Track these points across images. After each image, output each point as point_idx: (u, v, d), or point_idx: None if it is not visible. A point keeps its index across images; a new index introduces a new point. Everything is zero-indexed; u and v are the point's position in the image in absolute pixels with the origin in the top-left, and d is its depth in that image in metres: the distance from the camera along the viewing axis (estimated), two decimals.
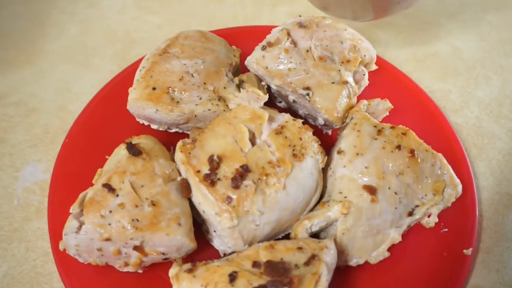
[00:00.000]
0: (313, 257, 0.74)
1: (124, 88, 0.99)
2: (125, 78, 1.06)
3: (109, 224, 0.75)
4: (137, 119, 1.01)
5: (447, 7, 1.32)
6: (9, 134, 1.06)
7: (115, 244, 0.77)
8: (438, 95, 1.13)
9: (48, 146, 1.04)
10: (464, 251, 0.84)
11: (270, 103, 1.00)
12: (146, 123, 1.00)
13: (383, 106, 0.96)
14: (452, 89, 1.15)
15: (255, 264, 0.73)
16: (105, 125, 1.01)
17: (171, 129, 1.00)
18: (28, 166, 1.01)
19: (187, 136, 0.99)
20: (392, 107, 0.96)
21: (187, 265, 0.77)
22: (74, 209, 0.78)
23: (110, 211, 0.76)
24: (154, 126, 1.00)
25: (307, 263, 0.73)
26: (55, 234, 0.85)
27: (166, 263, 0.83)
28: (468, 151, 1.03)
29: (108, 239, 0.75)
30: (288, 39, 0.97)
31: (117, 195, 0.78)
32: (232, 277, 0.71)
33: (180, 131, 1.00)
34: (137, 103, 0.93)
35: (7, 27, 1.27)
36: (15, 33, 1.26)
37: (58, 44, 1.24)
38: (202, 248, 0.84)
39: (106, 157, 0.88)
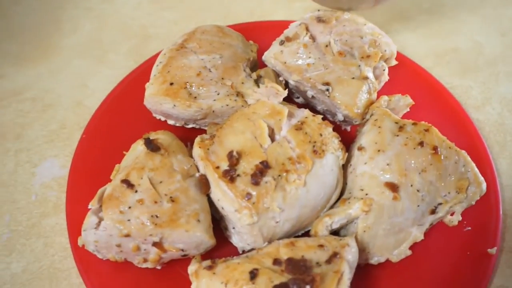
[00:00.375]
0: (334, 255, 0.73)
1: (141, 84, 0.98)
2: (141, 74, 1.05)
3: (128, 220, 0.75)
4: (154, 115, 1.00)
5: (467, 2, 1.30)
6: (26, 130, 1.06)
7: (134, 240, 0.76)
8: (458, 91, 1.11)
9: (64, 142, 1.03)
10: (489, 250, 0.82)
11: (288, 99, 0.98)
12: (162, 119, 1.00)
13: (404, 102, 0.94)
14: (473, 85, 1.13)
15: (276, 261, 0.72)
16: (121, 120, 1.00)
17: (188, 124, 0.99)
18: (45, 161, 1.00)
19: (204, 131, 0.98)
20: (413, 103, 0.95)
21: (207, 262, 0.76)
22: (93, 205, 0.78)
23: (129, 207, 0.76)
24: (170, 122, 0.99)
25: (328, 261, 0.72)
26: (74, 230, 0.85)
27: (184, 260, 0.82)
28: (491, 149, 1.01)
29: (127, 235, 0.75)
30: (306, 33, 0.96)
31: (136, 191, 0.77)
32: (253, 275, 0.70)
33: (197, 126, 0.99)
34: (155, 98, 0.93)
35: (22, 22, 1.27)
36: (30, 29, 1.26)
37: (74, 39, 1.24)
38: (220, 245, 0.83)
39: (124, 152, 0.88)
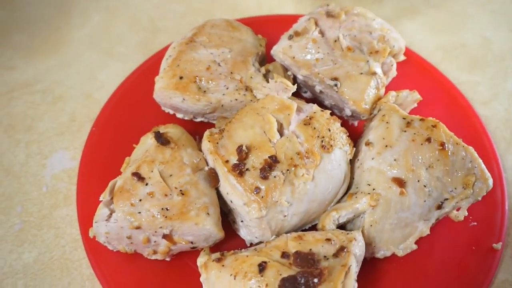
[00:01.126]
0: (342, 248, 0.74)
1: (150, 77, 0.99)
2: (150, 67, 1.06)
3: (139, 212, 0.76)
4: (163, 108, 1.01)
5: None
6: (36, 122, 1.07)
7: (145, 232, 0.77)
8: (466, 87, 1.11)
9: (75, 134, 1.05)
10: (494, 245, 0.83)
11: (296, 93, 0.99)
12: (171, 112, 1.01)
13: (411, 97, 0.95)
14: (480, 81, 1.13)
15: (284, 254, 0.74)
16: (131, 113, 1.01)
17: (196, 118, 1.00)
18: (55, 153, 1.02)
19: (213, 125, 0.99)
20: (421, 98, 0.95)
21: (216, 255, 0.77)
22: (104, 197, 0.79)
23: (140, 200, 0.77)
24: (179, 115, 1.00)
25: (336, 255, 0.73)
26: (84, 221, 0.86)
27: (193, 252, 0.83)
28: (497, 145, 1.01)
29: (138, 227, 0.76)
30: (316, 28, 0.96)
31: (147, 184, 0.78)
32: (262, 267, 0.71)
33: (206, 120, 1.00)
34: (164, 92, 0.93)
35: (32, 15, 1.28)
36: (40, 21, 1.26)
37: (83, 32, 1.25)
38: (228, 237, 0.84)
39: (133, 145, 0.89)
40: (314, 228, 0.85)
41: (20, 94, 1.11)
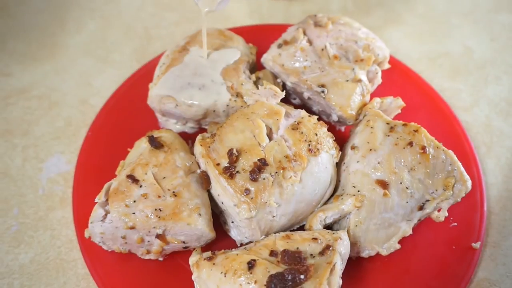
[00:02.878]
0: (327, 247, 0.77)
1: (144, 83, 1.03)
2: (144, 74, 1.10)
3: (133, 213, 0.79)
4: (156, 114, 1.04)
5: (459, 7, 1.35)
6: (32, 126, 1.10)
7: (139, 232, 0.80)
8: (449, 94, 1.16)
9: (70, 139, 1.07)
10: (473, 244, 0.87)
11: (285, 100, 1.02)
12: (164, 118, 1.04)
13: (395, 104, 0.99)
14: (463, 88, 1.18)
15: (272, 253, 0.77)
16: (126, 119, 1.04)
17: (188, 123, 1.03)
18: (51, 157, 1.04)
19: (205, 130, 1.02)
20: (404, 105, 0.99)
21: (207, 254, 0.80)
22: (99, 198, 0.82)
23: (134, 201, 0.80)
24: (172, 121, 1.03)
25: (322, 253, 0.77)
26: (80, 222, 0.89)
27: (185, 252, 0.86)
28: (478, 149, 1.06)
29: (132, 227, 0.79)
30: (304, 37, 1.00)
31: (141, 186, 0.81)
32: (251, 265, 0.74)
33: (198, 125, 1.04)
34: (157, 98, 0.97)
35: (28, 22, 1.31)
36: (36, 28, 1.30)
37: (78, 39, 1.28)
38: (220, 238, 0.88)
39: (128, 149, 0.92)
40: (302, 228, 0.89)
41: (16, 100, 1.14)
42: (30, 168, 1.03)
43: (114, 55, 1.24)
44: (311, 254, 0.77)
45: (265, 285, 0.72)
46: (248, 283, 0.73)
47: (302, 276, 0.72)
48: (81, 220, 0.89)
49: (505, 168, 1.04)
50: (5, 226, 0.95)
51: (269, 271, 0.73)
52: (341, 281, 0.75)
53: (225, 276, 0.75)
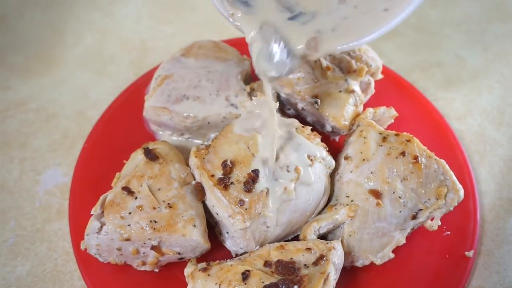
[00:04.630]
0: (321, 257, 0.78)
1: (140, 95, 1.04)
2: (140, 86, 1.11)
3: (129, 225, 0.80)
4: (151, 126, 1.05)
5: (452, 18, 1.36)
6: (30, 139, 1.11)
7: (134, 244, 0.81)
8: (442, 103, 1.17)
9: (67, 151, 1.09)
10: (466, 253, 0.88)
11: (280, 111, 1.04)
12: (160, 130, 1.05)
13: (388, 114, 1.00)
14: (455, 98, 1.19)
15: (267, 263, 0.78)
16: (122, 130, 1.05)
17: (184, 135, 1.04)
18: (48, 170, 1.05)
19: (200, 142, 1.03)
20: (397, 115, 1.00)
21: (202, 265, 0.81)
22: (95, 210, 0.83)
23: (130, 213, 0.81)
24: (168, 132, 1.04)
25: (315, 263, 0.77)
26: (76, 234, 0.89)
27: (181, 263, 0.87)
28: (471, 158, 1.07)
29: (127, 239, 0.80)
30: None
31: (136, 198, 0.82)
32: (245, 276, 0.75)
33: (193, 137, 1.04)
34: (153, 110, 0.98)
35: (26, 35, 1.33)
36: (33, 42, 1.31)
37: (76, 52, 1.30)
38: (215, 249, 0.88)
39: (124, 161, 0.93)
40: (296, 238, 0.89)
41: (14, 113, 1.15)
42: (27, 180, 1.04)
43: (111, 68, 1.26)
44: (305, 264, 0.77)
45: None
46: None
47: (295, 287, 0.72)
48: (77, 232, 0.89)
49: (498, 176, 1.05)
50: (2, 238, 0.95)
51: (263, 282, 0.74)
52: None
53: (219, 287, 0.76)
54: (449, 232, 0.91)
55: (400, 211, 0.86)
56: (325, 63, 0.99)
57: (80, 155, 1.01)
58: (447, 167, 0.88)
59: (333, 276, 0.76)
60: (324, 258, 0.78)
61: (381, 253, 0.87)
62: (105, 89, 1.20)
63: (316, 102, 0.96)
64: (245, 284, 0.74)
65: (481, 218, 0.96)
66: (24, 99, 1.18)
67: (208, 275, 0.78)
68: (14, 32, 1.33)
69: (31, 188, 1.03)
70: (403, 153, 0.88)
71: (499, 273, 0.91)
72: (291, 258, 0.78)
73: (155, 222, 0.80)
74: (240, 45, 1.12)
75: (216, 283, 0.76)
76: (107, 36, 1.34)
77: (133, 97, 1.09)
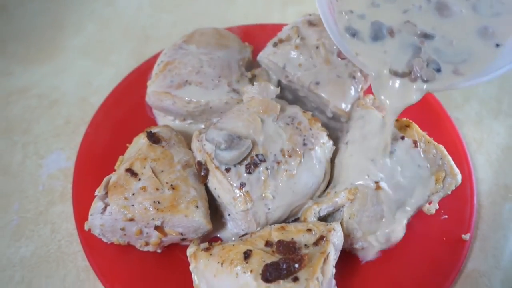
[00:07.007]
0: (321, 238, 0.79)
1: (142, 82, 1.05)
2: (142, 72, 1.12)
3: (132, 205, 0.81)
4: (154, 111, 1.06)
5: None
6: (33, 124, 1.12)
7: (138, 224, 0.82)
8: (441, 93, 1.18)
9: (70, 136, 1.10)
10: (463, 236, 0.89)
11: (280, 97, 1.05)
12: (162, 115, 1.06)
13: None
14: None
15: (268, 243, 0.79)
16: (124, 116, 1.06)
17: (186, 120, 1.06)
18: (51, 154, 1.07)
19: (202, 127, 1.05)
20: None
21: (204, 244, 0.82)
22: (99, 191, 0.84)
23: (133, 194, 0.82)
24: (170, 117, 1.06)
25: (315, 243, 0.79)
26: (80, 216, 0.91)
27: (183, 247, 0.88)
28: (468, 145, 1.08)
29: (131, 219, 0.81)
30: (298, 36, 1.03)
31: (139, 179, 0.84)
32: (247, 255, 0.76)
33: (195, 122, 1.06)
34: (156, 95, 0.99)
35: (27, 24, 1.33)
36: (35, 30, 1.32)
37: (77, 40, 1.31)
38: (216, 231, 0.90)
39: (127, 145, 0.94)
40: (297, 221, 0.91)
41: (17, 99, 1.16)
42: (30, 164, 1.05)
43: (112, 56, 1.27)
44: (305, 245, 0.79)
45: (260, 274, 0.74)
46: (244, 272, 0.75)
47: (296, 265, 0.74)
48: (81, 213, 0.90)
49: (495, 163, 1.06)
50: (6, 220, 0.97)
51: (264, 261, 0.75)
52: (334, 270, 0.77)
53: (221, 266, 0.77)
54: (446, 216, 0.92)
55: (399, 195, 0.87)
56: (325, 49, 1.00)
57: (83, 139, 1.02)
58: (445, 152, 0.90)
59: (333, 256, 0.78)
60: (324, 239, 0.79)
61: (380, 236, 0.89)
62: (107, 76, 1.21)
63: (317, 88, 0.97)
64: (247, 263, 0.76)
65: (477, 204, 0.98)
66: (26, 85, 1.19)
67: (211, 254, 0.80)
68: (15, 21, 1.34)
69: (34, 172, 1.04)
70: (402, 138, 0.89)
71: (495, 256, 0.93)
72: (292, 239, 0.79)
73: (158, 203, 0.82)
74: (241, 33, 1.14)
75: (218, 262, 0.78)
76: (108, 25, 1.34)
77: (135, 83, 1.11)
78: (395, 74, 0.75)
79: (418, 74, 0.73)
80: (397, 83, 0.75)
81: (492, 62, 0.72)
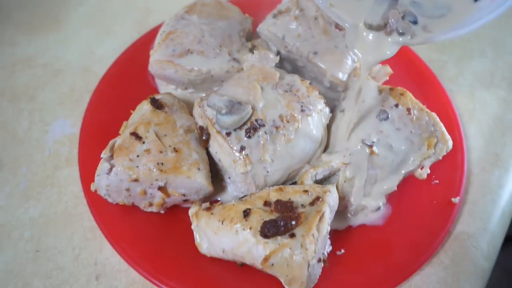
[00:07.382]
0: (317, 198, 0.83)
1: (145, 51, 1.08)
2: (145, 42, 1.15)
3: (137, 166, 0.85)
4: (156, 80, 1.09)
5: None
6: (38, 92, 1.15)
7: (142, 184, 0.86)
8: (436, 65, 1.21)
9: (74, 104, 1.13)
10: (452, 199, 0.93)
11: (280, 67, 1.08)
12: (165, 84, 1.09)
13: (383, 71, 1.04)
14: (448, 60, 1.23)
15: (266, 203, 0.83)
16: (127, 84, 1.09)
17: (188, 89, 1.09)
18: (57, 120, 1.10)
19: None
20: (392, 72, 1.05)
21: (206, 204, 0.87)
22: (105, 153, 0.87)
23: (138, 156, 0.86)
24: (172, 86, 1.09)
25: (312, 203, 0.83)
26: (86, 178, 0.94)
27: (184, 209, 0.92)
28: (461, 116, 1.12)
29: (136, 180, 0.85)
30: (297, 7, 1.05)
31: (144, 142, 0.87)
32: (246, 213, 0.80)
33: (196, 91, 1.09)
34: (158, 64, 1.02)
35: None
36: (40, 1, 1.34)
37: (81, 11, 1.33)
38: (217, 194, 0.94)
39: (131, 111, 0.97)
40: (294, 184, 0.94)
41: (22, 67, 1.19)
42: (36, 130, 1.08)
43: (115, 27, 1.29)
44: (302, 204, 0.83)
45: (259, 230, 0.78)
46: (244, 229, 0.79)
47: (293, 222, 0.78)
48: (87, 176, 0.94)
49: (486, 133, 1.10)
50: (15, 183, 1.00)
51: (263, 219, 0.79)
52: (329, 228, 0.81)
53: (222, 224, 0.81)
54: (437, 181, 0.96)
55: (392, 160, 0.91)
56: (323, 20, 1.03)
57: (88, 106, 1.05)
58: (438, 119, 0.93)
59: (328, 215, 0.82)
60: (320, 199, 0.83)
61: (373, 199, 0.93)
62: (110, 46, 1.24)
63: (315, 58, 1.00)
64: (246, 220, 0.80)
65: (468, 171, 1.02)
66: (31, 55, 1.22)
67: (212, 213, 0.84)
68: None
69: (40, 137, 1.07)
70: (396, 105, 0.93)
71: (483, 219, 0.97)
72: (289, 199, 0.83)
73: (162, 164, 0.85)
74: (242, 5, 1.16)
75: (219, 220, 0.82)
76: None
77: (138, 53, 1.13)
78: (370, 27, 0.73)
79: (394, 27, 0.72)
80: (371, 35, 0.75)
81: (471, 15, 0.72)
